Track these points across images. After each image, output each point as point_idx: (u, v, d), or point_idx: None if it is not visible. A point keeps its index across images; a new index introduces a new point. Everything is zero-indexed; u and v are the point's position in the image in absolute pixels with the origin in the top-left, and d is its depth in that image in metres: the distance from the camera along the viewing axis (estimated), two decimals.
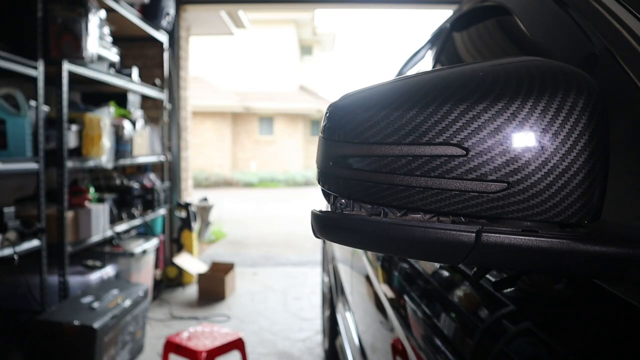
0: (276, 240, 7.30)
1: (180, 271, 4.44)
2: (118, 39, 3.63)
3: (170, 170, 4.81)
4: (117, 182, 3.90)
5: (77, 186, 3.21)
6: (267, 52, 19.29)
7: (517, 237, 0.39)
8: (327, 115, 0.48)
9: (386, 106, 0.43)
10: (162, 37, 4.41)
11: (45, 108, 2.69)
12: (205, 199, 7.01)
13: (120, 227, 3.46)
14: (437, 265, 0.81)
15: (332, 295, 2.61)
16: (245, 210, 10.87)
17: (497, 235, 0.39)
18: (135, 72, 3.79)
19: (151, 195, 4.03)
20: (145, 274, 3.81)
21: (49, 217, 2.71)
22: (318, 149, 0.49)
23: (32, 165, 2.52)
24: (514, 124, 0.38)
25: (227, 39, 14.52)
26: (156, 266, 4.30)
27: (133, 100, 3.96)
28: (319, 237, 0.50)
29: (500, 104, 0.39)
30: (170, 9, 4.27)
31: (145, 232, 4.22)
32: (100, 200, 3.37)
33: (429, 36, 1.54)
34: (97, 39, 2.94)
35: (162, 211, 4.31)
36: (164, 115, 4.57)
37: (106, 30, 3.19)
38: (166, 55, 4.59)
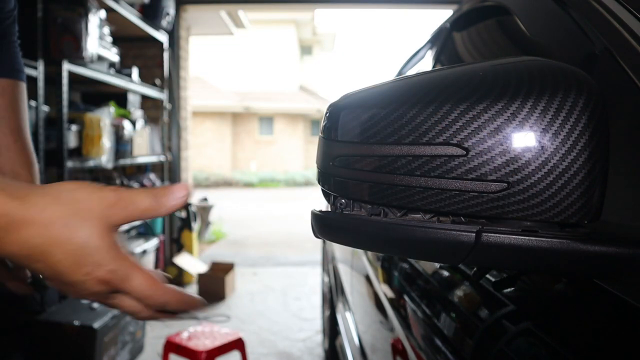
0: (276, 240, 7.30)
1: (180, 271, 4.44)
2: (118, 39, 3.63)
3: (170, 170, 4.80)
4: (117, 182, 3.90)
5: None
6: (267, 52, 19.29)
7: (517, 237, 0.39)
8: (327, 115, 0.48)
9: (386, 106, 0.43)
10: (162, 37, 4.41)
11: (45, 108, 2.69)
12: (205, 199, 7.01)
13: (120, 227, 3.46)
14: (437, 265, 0.81)
15: (332, 295, 2.61)
16: (245, 210, 10.87)
17: (497, 235, 0.39)
18: (135, 72, 3.79)
19: None
20: None
21: None
22: (318, 149, 0.49)
23: None
24: (514, 124, 0.38)
25: (227, 39, 14.51)
26: (156, 266, 4.30)
27: (133, 100, 3.96)
28: (319, 237, 0.50)
29: (500, 104, 0.39)
30: (170, 9, 4.27)
31: (145, 232, 4.22)
32: None
33: (429, 36, 1.54)
34: (97, 39, 2.94)
35: None
36: (164, 115, 4.57)
37: (106, 30, 3.19)
38: (166, 55, 4.59)
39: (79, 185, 0.43)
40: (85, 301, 2.59)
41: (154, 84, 4.32)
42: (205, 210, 6.82)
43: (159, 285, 0.44)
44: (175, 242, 4.82)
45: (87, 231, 0.40)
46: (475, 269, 0.56)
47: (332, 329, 2.67)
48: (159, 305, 0.44)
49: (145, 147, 3.95)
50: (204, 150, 18.10)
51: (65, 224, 0.39)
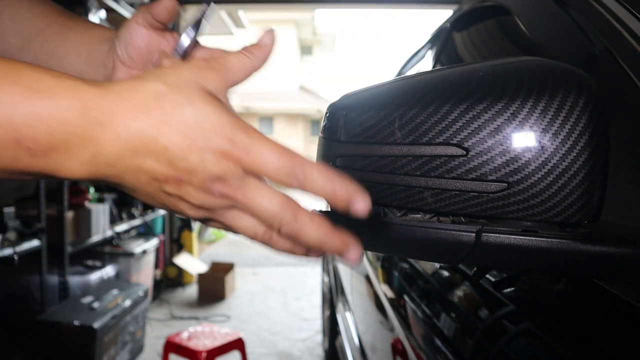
0: None
1: (180, 271, 4.44)
2: None
3: None
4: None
5: (77, 186, 3.21)
6: None
7: (517, 237, 0.39)
8: (327, 115, 0.48)
9: (386, 106, 0.43)
10: None
11: None
12: None
13: (120, 227, 3.46)
14: (437, 265, 0.81)
15: (332, 295, 2.62)
16: None
17: (497, 235, 0.39)
18: None
19: None
20: (145, 274, 3.81)
21: (49, 217, 2.71)
22: (318, 149, 0.49)
23: None
24: (514, 124, 0.38)
25: (227, 39, 14.51)
26: (156, 266, 4.30)
27: None
28: None
29: (500, 104, 0.39)
30: None
31: (145, 232, 4.22)
32: (100, 200, 3.36)
33: (429, 36, 1.54)
34: None
35: (162, 211, 4.31)
36: None
37: None
38: None
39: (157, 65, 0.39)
40: (85, 301, 2.59)
41: None
42: None
43: (295, 157, 0.35)
44: (175, 242, 4.82)
45: (186, 96, 0.34)
46: (475, 269, 0.56)
47: (332, 329, 2.67)
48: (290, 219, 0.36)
49: None
50: None
51: (159, 98, 0.33)
